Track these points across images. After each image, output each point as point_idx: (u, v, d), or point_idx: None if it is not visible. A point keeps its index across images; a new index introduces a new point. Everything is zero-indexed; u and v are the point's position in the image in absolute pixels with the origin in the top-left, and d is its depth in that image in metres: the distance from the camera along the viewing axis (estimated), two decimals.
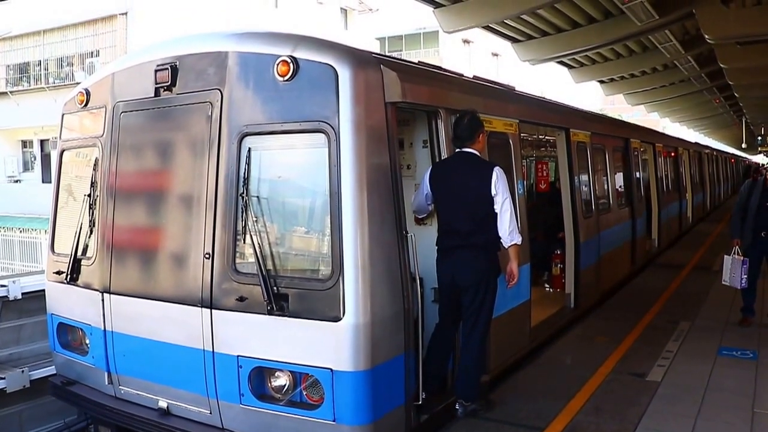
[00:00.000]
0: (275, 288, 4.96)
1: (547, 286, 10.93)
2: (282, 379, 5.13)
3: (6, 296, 7.85)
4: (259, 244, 5.04)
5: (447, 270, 5.91)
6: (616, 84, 31.48)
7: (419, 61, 7.11)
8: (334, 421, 4.83)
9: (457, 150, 6.05)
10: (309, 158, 5.18)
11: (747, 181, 9.72)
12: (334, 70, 4.89)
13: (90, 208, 6.19)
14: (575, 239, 9.57)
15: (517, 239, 5.91)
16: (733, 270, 8.77)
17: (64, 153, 6.80)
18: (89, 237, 6.21)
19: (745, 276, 8.67)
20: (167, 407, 5.58)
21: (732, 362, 7.64)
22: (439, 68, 7.05)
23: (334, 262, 4.82)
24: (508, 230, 5.84)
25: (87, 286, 6.17)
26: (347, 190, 4.80)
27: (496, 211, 5.83)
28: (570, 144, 9.65)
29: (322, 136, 4.88)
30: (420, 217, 6.28)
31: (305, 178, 5.30)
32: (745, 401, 6.43)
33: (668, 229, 17.23)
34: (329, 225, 4.87)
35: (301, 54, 5.00)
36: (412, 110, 6.16)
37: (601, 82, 30.69)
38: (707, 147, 32.37)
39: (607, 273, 11.15)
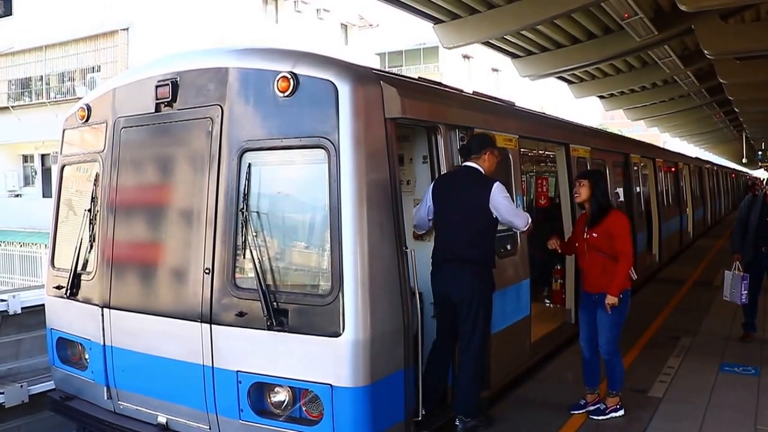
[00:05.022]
0: (275, 303, 4.96)
1: (547, 301, 10.88)
2: (281, 395, 5.11)
3: (5, 311, 7.83)
4: (258, 259, 5.04)
5: (440, 284, 5.93)
6: (615, 99, 31.57)
7: (419, 77, 7.13)
8: None
9: (462, 164, 6.09)
10: (309, 174, 5.19)
11: (747, 197, 9.73)
12: (334, 86, 4.91)
13: (90, 223, 6.20)
14: None
15: (530, 221, 6.17)
16: (733, 285, 8.75)
17: (65, 168, 6.82)
18: (89, 252, 6.21)
19: (746, 291, 8.65)
20: (166, 422, 5.55)
21: (734, 378, 7.61)
22: (439, 84, 7.08)
23: (333, 277, 4.82)
24: (522, 224, 6.09)
25: (87, 301, 6.16)
26: (347, 206, 4.81)
27: (500, 221, 5.95)
28: (570, 159, 9.65)
29: (322, 151, 4.89)
30: (420, 233, 6.28)
31: (305, 193, 5.31)
32: (747, 418, 6.40)
33: (669, 244, 17.21)
34: (329, 240, 4.87)
35: (302, 70, 5.02)
36: (411, 126, 6.17)
37: (601, 97, 30.77)
38: (708, 162, 32.39)
39: None
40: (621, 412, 6.42)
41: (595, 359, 6.52)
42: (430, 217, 6.07)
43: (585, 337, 6.55)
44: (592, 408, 6.50)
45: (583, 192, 6.43)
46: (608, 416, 6.38)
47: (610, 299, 6.22)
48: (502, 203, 5.90)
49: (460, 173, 6.08)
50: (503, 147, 7.39)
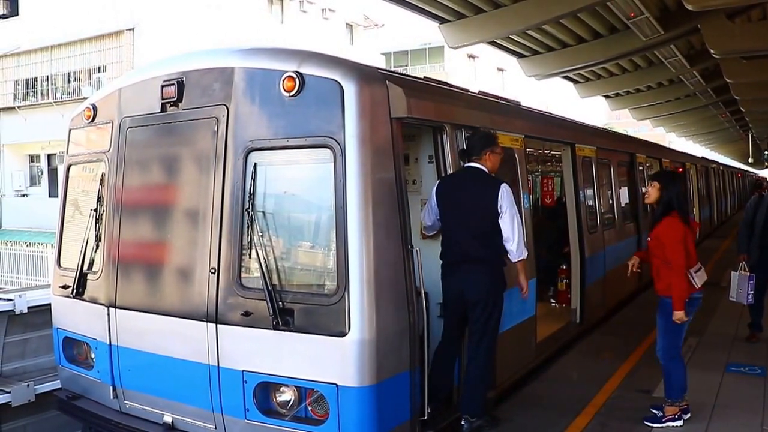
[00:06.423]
0: (280, 303, 4.96)
1: (552, 301, 10.88)
2: (287, 395, 5.11)
3: (12, 310, 7.85)
4: (264, 259, 5.04)
5: (455, 284, 5.91)
6: (621, 99, 31.52)
7: (425, 77, 7.13)
8: None
9: (465, 165, 6.08)
10: (314, 173, 5.19)
11: (753, 197, 9.71)
12: (340, 85, 4.91)
13: (96, 222, 6.21)
14: (581, 254, 9.55)
15: (524, 254, 5.97)
16: (739, 286, 8.72)
17: (71, 168, 6.83)
18: (95, 251, 6.22)
19: (752, 292, 8.61)
20: (172, 422, 5.56)
21: (740, 378, 7.59)
22: (445, 84, 7.08)
23: (339, 277, 4.82)
24: (516, 246, 5.88)
25: (93, 301, 6.17)
26: (353, 205, 4.81)
27: (501, 227, 5.86)
28: (575, 159, 9.65)
29: (327, 151, 4.89)
30: (430, 234, 6.27)
31: (311, 193, 5.31)
32: (754, 418, 6.39)
33: None
34: (335, 240, 4.87)
35: (307, 70, 5.02)
36: (417, 125, 6.17)
37: (607, 97, 30.73)
38: (714, 162, 32.29)
39: (613, 288, 11.10)
40: (679, 423, 6.13)
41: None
42: (438, 218, 6.07)
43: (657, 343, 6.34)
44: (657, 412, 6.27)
45: (652, 194, 6.22)
46: (664, 425, 6.13)
47: (676, 315, 5.93)
48: (509, 208, 5.87)
49: (464, 174, 6.07)
50: (509, 147, 7.38)
